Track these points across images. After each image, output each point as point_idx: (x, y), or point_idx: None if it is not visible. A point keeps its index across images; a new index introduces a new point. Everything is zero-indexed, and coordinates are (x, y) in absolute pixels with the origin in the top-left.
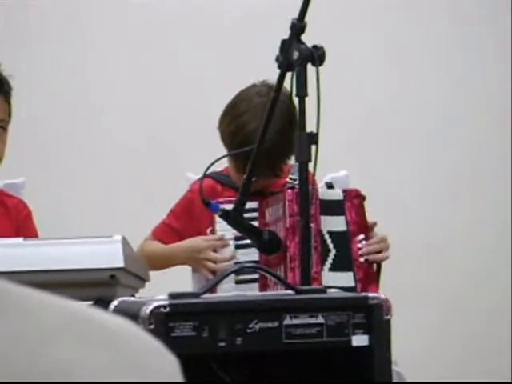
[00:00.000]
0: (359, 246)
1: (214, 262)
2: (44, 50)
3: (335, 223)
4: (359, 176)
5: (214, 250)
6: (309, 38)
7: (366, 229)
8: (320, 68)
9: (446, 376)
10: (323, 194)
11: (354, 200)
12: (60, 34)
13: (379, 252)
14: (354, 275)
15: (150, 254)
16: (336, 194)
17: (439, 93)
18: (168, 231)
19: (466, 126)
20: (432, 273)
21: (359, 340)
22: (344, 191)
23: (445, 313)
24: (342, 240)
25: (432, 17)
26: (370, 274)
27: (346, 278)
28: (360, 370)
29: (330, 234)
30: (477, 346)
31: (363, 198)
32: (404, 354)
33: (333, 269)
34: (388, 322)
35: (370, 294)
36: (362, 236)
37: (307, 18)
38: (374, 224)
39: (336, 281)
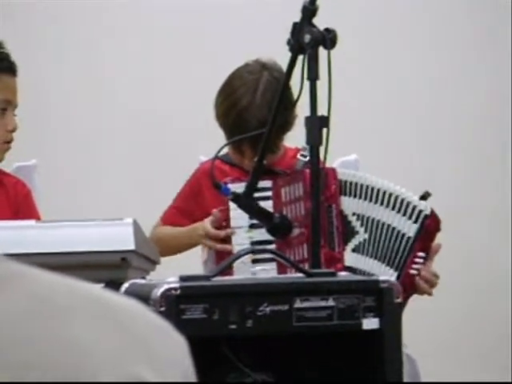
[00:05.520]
0: (416, 260)
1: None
2: (52, 34)
3: (382, 214)
4: (370, 160)
5: (225, 240)
6: (320, 21)
7: (428, 254)
8: (332, 51)
9: (450, 360)
10: (359, 177)
11: (432, 224)
12: (71, 17)
13: (428, 283)
14: (399, 277)
15: (162, 239)
16: (422, 205)
17: (450, 77)
18: (176, 214)
19: (472, 115)
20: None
21: (370, 323)
22: (432, 212)
23: (445, 297)
24: (405, 243)
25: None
26: (407, 288)
27: (383, 271)
28: (370, 353)
29: (360, 216)
30: (478, 326)
31: (439, 230)
32: (413, 339)
33: (358, 251)
34: (398, 305)
35: (381, 278)
36: (423, 254)
37: (319, 1)
38: (437, 250)
39: (360, 263)
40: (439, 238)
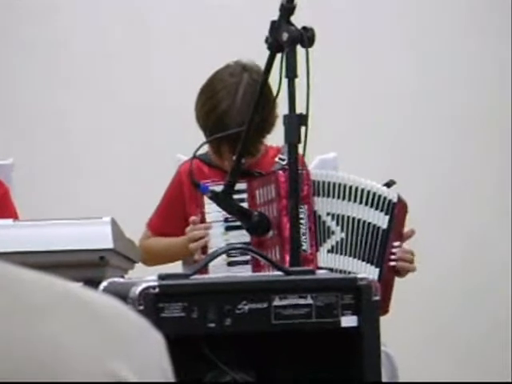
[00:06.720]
0: (393, 251)
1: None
2: (39, 31)
3: (355, 210)
4: (350, 158)
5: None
6: (305, 20)
7: (401, 238)
8: (310, 49)
9: (436, 356)
10: (330, 176)
11: (401, 210)
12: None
13: (406, 261)
14: (381, 272)
15: (154, 250)
16: (390, 193)
17: (438, 75)
18: (164, 222)
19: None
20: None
21: (348, 321)
22: (399, 198)
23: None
24: (381, 236)
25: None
26: (390, 280)
27: (364, 268)
28: (349, 350)
29: (334, 216)
30: (478, 325)
31: (407, 212)
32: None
33: (336, 251)
34: (377, 302)
35: (359, 276)
36: (398, 243)
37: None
38: (410, 235)
39: (338, 263)
40: (438, 237)
